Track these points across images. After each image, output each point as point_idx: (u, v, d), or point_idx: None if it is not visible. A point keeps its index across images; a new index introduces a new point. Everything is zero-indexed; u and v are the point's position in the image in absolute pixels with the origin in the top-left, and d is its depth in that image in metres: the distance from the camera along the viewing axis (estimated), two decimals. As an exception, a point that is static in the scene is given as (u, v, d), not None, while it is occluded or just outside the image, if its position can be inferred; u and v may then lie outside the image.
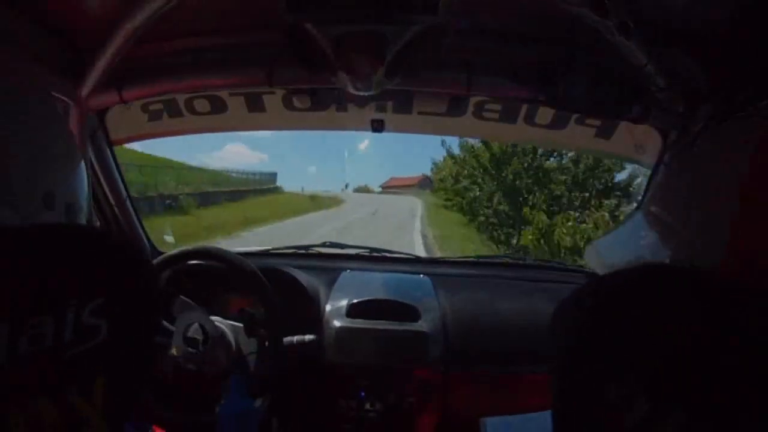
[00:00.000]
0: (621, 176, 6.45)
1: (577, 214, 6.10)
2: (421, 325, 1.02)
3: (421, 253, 6.20)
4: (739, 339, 0.26)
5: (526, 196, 6.98)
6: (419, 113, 1.14)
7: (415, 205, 17.64)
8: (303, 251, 1.34)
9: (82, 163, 0.45)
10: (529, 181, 6.99)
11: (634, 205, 1.13)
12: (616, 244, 0.49)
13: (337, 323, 1.02)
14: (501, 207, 7.14)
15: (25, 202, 0.38)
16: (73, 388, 0.30)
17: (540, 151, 6.86)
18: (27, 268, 0.30)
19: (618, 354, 0.29)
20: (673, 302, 0.29)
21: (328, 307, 1.06)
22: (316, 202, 18.19)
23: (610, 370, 0.29)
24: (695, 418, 0.25)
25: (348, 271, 1.20)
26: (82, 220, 0.46)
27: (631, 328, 0.30)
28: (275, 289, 0.94)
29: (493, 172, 7.06)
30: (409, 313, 1.04)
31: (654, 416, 0.26)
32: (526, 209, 6.51)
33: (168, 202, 10.23)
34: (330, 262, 1.29)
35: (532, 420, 0.35)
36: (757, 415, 0.24)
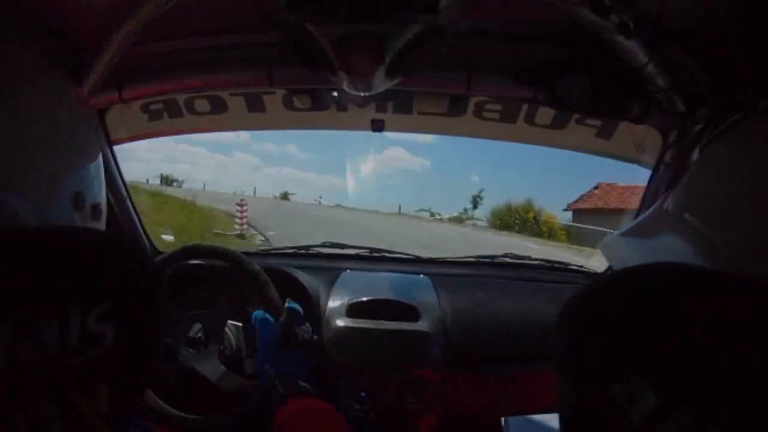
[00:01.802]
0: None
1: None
2: (422, 325, 1.02)
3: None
4: (748, 336, 0.26)
5: None
6: (419, 113, 1.14)
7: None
8: (303, 251, 1.34)
9: (102, 165, 0.46)
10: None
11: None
12: (635, 244, 0.49)
13: (337, 323, 1.02)
14: None
15: (55, 203, 0.38)
16: (77, 392, 0.30)
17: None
18: (30, 272, 0.29)
19: (625, 352, 0.29)
20: (681, 300, 0.29)
21: (328, 307, 1.06)
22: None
23: (617, 368, 0.29)
24: (703, 415, 0.25)
25: (348, 271, 1.20)
26: (103, 221, 0.46)
27: (638, 326, 0.30)
28: (275, 289, 0.94)
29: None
30: (409, 312, 1.04)
31: (661, 413, 0.26)
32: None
33: None
34: (330, 261, 1.29)
35: (554, 419, 0.35)
36: (765, 413, 0.24)
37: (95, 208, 0.44)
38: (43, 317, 0.28)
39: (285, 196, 21.86)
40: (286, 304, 0.85)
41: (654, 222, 0.46)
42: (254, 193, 20.98)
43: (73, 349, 0.30)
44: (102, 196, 0.45)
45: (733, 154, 0.39)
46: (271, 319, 0.85)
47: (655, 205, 0.47)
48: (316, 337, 0.86)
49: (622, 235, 0.54)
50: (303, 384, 0.76)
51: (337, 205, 18.42)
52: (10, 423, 0.27)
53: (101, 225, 0.46)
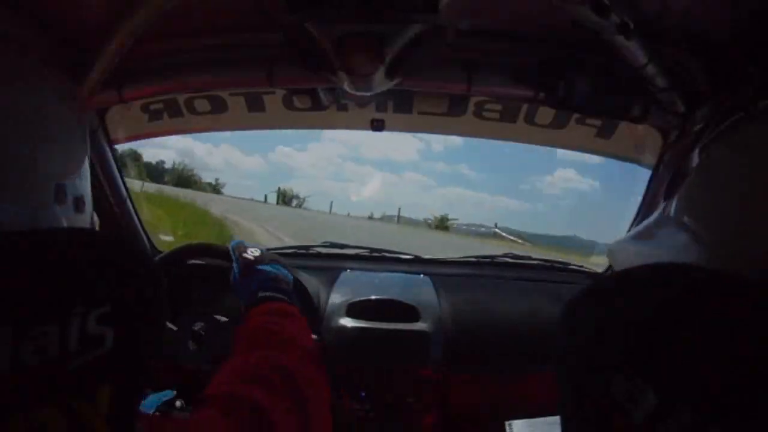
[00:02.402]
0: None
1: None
2: (421, 325, 1.02)
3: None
4: (748, 336, 0.26)
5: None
6: (419, 113, 1.14)
7: None
8: (303, 251, 1.34)
9: (87, 158, 0.46)
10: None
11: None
12: (638, 249, 0.49)
13: (337, 323, 1.02)
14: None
15: (36, 195, 0.38)
16: (78, 396, 0.30)
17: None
18: (30, 274, 0.29)
19: (626, 352, 0.29)
20: (681, 299, 0.29)
21: (328, 307, 1.06)
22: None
23: (618, 368, 0.29)
24: (703, 415, 0.25)
25: (348, 270, 1.20)
26: (88, 215, 0.46)
27: (639, 326, 0.30)
28: None
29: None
30: (409, 313, 1.04)
31: (662, 413, 0.26)
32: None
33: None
34: (330, 261, 1.29)
35: (557, 422, 0.35)
36: (766, 413, 0.24)
37: (78, 200, 0.43)
38: (43, 320, 0.28)
39: (442, 224, 14.50)
40: (230, 245, 0.85)
41: (656, 226, 0.46)
42: (398, 217, 15.83)
43: (73, 352, 0.29)
44: (85, 188, 0.45)
45: (733, 156, 0.39)
46: None
47: (659, 210, 0.47)
48: (267, 251, 0.83)
49: (627, 240, 0.54)
50: (261, 294, 0.72)
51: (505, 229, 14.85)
52: (11, 426, 0.27)
53: (86, 218, 0.45)
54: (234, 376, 0.53)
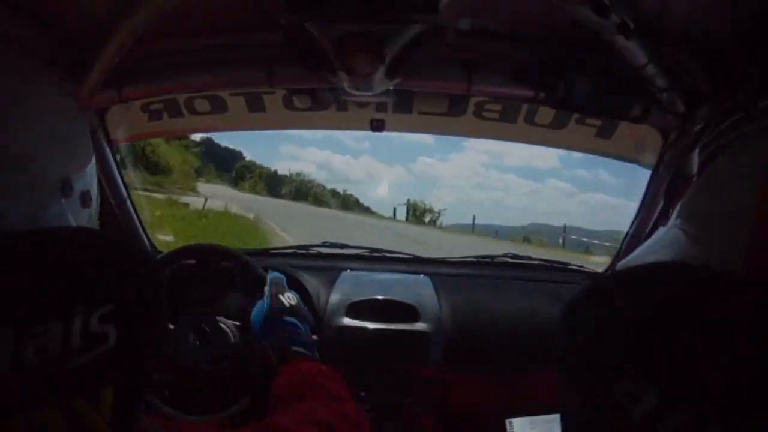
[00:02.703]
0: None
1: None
2: (421, 325, 1.02)
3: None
4: (748, 336, 0.26)
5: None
6: (419, 113, 1.14)
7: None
8: (303, 251, 1.34)
9: (92, 157, 0.46)
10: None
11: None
12: (648, 259, 0.49)
13: (337, 323, 1.02)
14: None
15: (37, 194, 0.38)
16: (80, 396, 0.30)
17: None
18: (31, 274, 0.29)
19: (626, 351, 0.29)
20: (681, 299, 0.29)
21: (328, 307, 1.06)
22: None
23: (618, 368, 0.29)
24: (703, 415, 0.25)
25: (348, 270, 1.20)
26: (95, 211, 0.46)
27: (639, 325, 0.30)
28: None
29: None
30: (409, 313, 1.04)
31: (662, 413, 0.26)
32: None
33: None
34: (330, 261, 1.29)
35: (557, 420, 0.35)
36: (766, 413, 0.24)
37: (85, 195, 0.43)
38: (46, 320, 0.28)
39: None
40: (268, 276, 0.84)
41: (663, 236, 0.46)
42: (563, 238, 12.49)
43: (76, 349, 0.29)
44: (92, 183, 0.45)
45: (735, 164, 0.39)
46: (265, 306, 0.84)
47: (668, 222, 0.47)
48: (303, 304, 0.83)
49: (639, 253, 0.54)
50: (296, 349, 0.73)
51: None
52: (11, 426, 0.27)
53: (92, 213, 0.45)
54: (295, 420, 0.53)
